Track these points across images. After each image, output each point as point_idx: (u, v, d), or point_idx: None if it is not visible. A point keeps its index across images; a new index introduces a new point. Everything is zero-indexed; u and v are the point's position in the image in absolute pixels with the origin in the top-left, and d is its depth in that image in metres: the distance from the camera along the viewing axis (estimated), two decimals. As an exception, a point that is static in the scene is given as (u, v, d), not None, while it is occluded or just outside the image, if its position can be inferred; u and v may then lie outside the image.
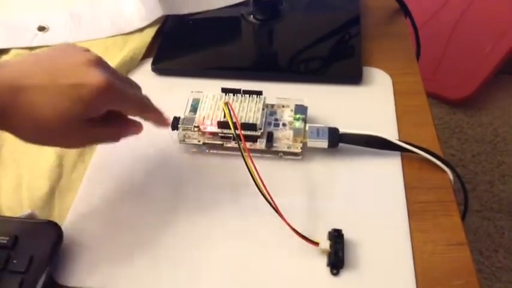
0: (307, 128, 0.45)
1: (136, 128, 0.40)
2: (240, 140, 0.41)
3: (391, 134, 0.46)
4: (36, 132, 0.35)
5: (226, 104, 0.43)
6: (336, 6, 0.60)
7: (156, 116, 0.41)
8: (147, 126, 0.42)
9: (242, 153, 0.40)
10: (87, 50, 0.37)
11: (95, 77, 0.34)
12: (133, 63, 0.54)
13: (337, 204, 0.41)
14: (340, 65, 0.53)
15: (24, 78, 0.33)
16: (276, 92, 0.50)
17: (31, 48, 0.57)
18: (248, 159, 0.39)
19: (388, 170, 0.44)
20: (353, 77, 0.51)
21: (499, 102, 1.43)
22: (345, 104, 0.49)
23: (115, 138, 0.39)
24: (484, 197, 1.25)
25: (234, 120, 0.42)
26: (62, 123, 0.34)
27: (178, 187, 0.44)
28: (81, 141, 0.37)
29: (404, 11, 0.61)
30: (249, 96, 0.46)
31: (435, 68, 1.40)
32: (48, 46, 0.57)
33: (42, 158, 0.45)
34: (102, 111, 0.36)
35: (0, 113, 0.33)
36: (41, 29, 0.59)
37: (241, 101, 0.46)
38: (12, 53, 0.56)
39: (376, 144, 0.44)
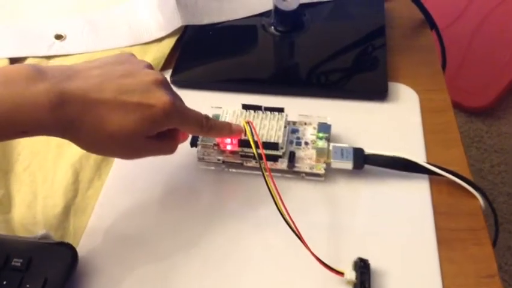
0: (330, 148, 0.43)
1: (186, 136, 0.42)
2: (262, 160, 0.39)
3: (418, 154, 0.44)
4: (99, 145, 0.35)
5: (248, 122, 0.41)
6: (361, 17, 0.58)
7: (217, 134, 0.41)
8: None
9: (263, 174, 0.39)
10: (150, 66, 0.38)
11: (162, 98, 0.35)
12: (152, 75, 0.53)
13: (361, 230, 0.40)
14: (364, 80, 0.51)
15: (93, 93, 0.33)
16: (297, 107, 0.48)
17: (48, 57, 0.56)
18: (270, 181, 0.38)
19: (416, 194, 0.42)
20: (378, 93, 0.49)
21: (518, 112, 1.40)
22: (369, 122, 0.48)
23: (171, 150, 0.39)
24: (503, 209, 1.22)
25: (256, 139, 0.41)
26: (126, 139, 0.34)
27: (196, 207, 0.42)
28: (140, 154, 0.37)
29: (430, 22, 0.59)
30: (271, 113, 0.45)
31: (454, 76, 1.37)
32: (65, 55, 0.56)
33: (58, 174, 0.44)
34: (164, 129, 0.37)
35: (68, 125, 0.33)
36: (58, 37, 0.58)
37: (262, 118, 0.44)
38: (28, 61, 0.55)
39: (403, 166, 0.42)
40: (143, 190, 0.44)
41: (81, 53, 0.56)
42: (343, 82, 0.51)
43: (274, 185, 0.38)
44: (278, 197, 0.37)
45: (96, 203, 0.42)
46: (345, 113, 0.48)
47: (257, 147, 0.40)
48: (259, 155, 0.40)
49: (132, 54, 0.39)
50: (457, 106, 1.38)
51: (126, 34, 0.57)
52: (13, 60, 0.55)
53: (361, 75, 0.51)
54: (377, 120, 0.48)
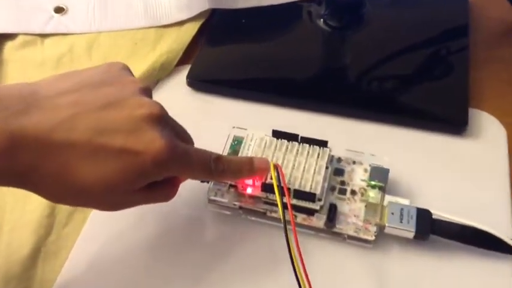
0: (385, 204, 0.32)
1: None
2: (287, 216, 0.29)
3: (502, 222, 0.33)
4: (68, 198, 0.26)
5: (276, 166, 0.30)
6: (437, 14, 0.45)
7: (233, 177, 0.31)
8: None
9: (286, 234, 0.28)
10: (147, 91, 0.27)
11: (154, 144, 0.25)
12: (165, 71, 0.42)
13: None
14: (437, 103, 0.39)
15: (59, 132, 0.23)
16: (343, 132, 0.38)
17: (43, 36, 0.46)
18: (293, 246, 0.28)
19: (496, 282, 0.31)
20: (455, 123, 0.37)
21: None
22: (439, 165, 0.36)
23: (167, 198, 0.29)
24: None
25: (283, 186, 0.30)
26: (103, 193, 0.25)
27: (201, 260, 0.32)
28: (123, 207, 0.28)
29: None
30: (309, 146, 0.34)
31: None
32: (63, 34, 0.46)
33: (31, 201, 0.35)
34: (157, 179, 0.27)
35: (24, 174, 0.23)
36: (58, 10, 0.47)
37: (297, 151, 0.33)
38: (19, 39, 0.45)
39: (481, 242, 0.31)
40: (135, 231, 0.34)
41: (83, 33, 0.46)
42: (407, 105, 0.39)
43: (299, 251, 0.27)
44: (302, 270, 0.27)
45: (73, 245, 0.33)
46: (407, 149, 0.37)
47: (283, 195, 0.30)
48: (284, 205, 0.29)
49: (124, 67, 0.28)
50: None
51: (141, 13, 0.46)
52: (2, 36, 0.46)
53: (433, 97, 0.39)
54: (450, 163, 0.36)
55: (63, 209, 0.34)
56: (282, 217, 0.28)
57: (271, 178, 0.32)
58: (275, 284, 0.31)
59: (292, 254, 0.27)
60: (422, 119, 0.38)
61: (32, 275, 0.31)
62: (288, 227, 0.28)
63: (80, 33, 0.46)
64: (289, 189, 0.31)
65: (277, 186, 0.29)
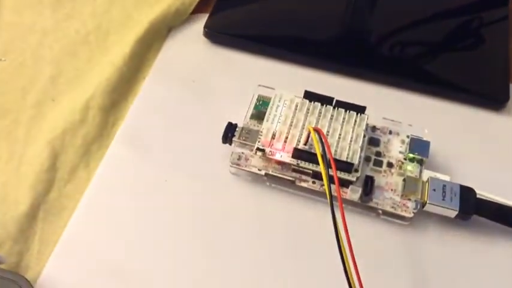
0: (425, 179, 0.29)
1: None
2: (333, 190, 0.26)
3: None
4: None
5: (317, 131, 0.27)
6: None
7: None
8: (186, 132, 0.27)
9: (333, 211, 0.25)
10: None
11: None
12: (180, 18, 0.38)
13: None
14: (476, 75, 0.36)
15: None
16: (381, 100, 0.35)
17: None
18: (340, 224, 0.25)
19: (539, 269, 0.29)
20: (496, 98, 0.35)
21: None
22: (478, 141, 0.33)
23: None
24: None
25: (328, 155, 0.27)
26: None
27: (219, 229, 0.29)
28: None
29: None
30: (345, 111, 0.30)
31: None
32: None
33: (30, 151, 0.31)
34: None
35: None
36: None
37: (332, 117, 0.30)
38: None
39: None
40: (146, 192, 0.30)
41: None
42: (446, 74, 0.36)
43: (346, 230, 0.25)
44: (348, 250, 0.24)
45: (77, 204, 0.30)
46: (445, 121, 0.34)
47: (327, 165, 0.27)
48: (331, 178, 0.26)
49: None
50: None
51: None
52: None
53: (472, 69, 0.36)
54: (489, 140, 0.33)
55: (65, 163, 0.30)
56: (327, 189, 0.25)
57: (305, 144, 0.29)
58: (298, 261, 0.28)
59: (338, 231, 0.24)
60: (461, 91, 0.35)
61: (30, 236, 0.28)
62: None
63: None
64: (324, 157, 0.28)
65: (321, 152, 0.26)
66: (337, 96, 0.31)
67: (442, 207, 0.28)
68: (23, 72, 0.35)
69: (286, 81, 0.35)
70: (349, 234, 0.25)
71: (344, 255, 0.24)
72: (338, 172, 0.28)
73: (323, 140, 0.27)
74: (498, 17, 0.39)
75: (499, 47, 0.37)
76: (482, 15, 0.39)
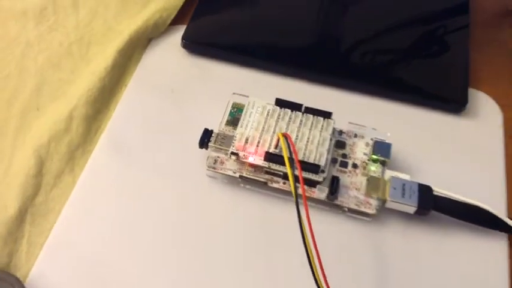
0: (387, 178, 0.32)
1: None
2: (298, 186, 0.28)
3: (497, 199, 0.33)
4: None
5: (284, 135, 0.29)
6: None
7: None
8: (165, 138, 0.29)
9: (298, 209, 0.27)
10: None
11: None
12: (158, 30, 0.40)
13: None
14: (438, 81, 0.38)
15: None
16: (345, 106, 0.37)
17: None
18: (305, 221, 0.27)
19: (490, 257, 0.31)
20: (455, 102, 0.37)
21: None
22: (437, 142, 0.36)
23: None
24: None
25: (294, 159, 0.29)
26: None
27: (198, 230, 0.31)
28: None
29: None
30: (313, 116, 0.33)
31: None
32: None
33: (17, 159, 0.32)
34: None
35: None
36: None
37: (301, 122, 0.32)
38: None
39: (479, 219, 0.32)
40: (127, 195, 0.32)
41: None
42: (409, 80, 0.38)
43: (310, 227, 0.27)
44: (313, 246, 0.27)
45: (62, 207, 0.31)
46: (407, 124, 0.37)
47: (293, 167, 0.29)
48: (296, 178, 0.29)
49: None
50: None
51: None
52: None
53: (434, 74, 0.39)
54: (448, 141, 0.36)
55: (51, 169, 0.32)
56: (293, 189, 0.28)
57: (275, 147, 0.31)
58: (270, 256, 0.31)
59: (303, 228, 0.26)
60: (422, 96, 0.38)
61: (19, 237, 0.30)
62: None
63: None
64: (290, 159, 0.30)
65: (287, 155, 0.28)
66: (306, 103, 0.33)
67: (402, 203, 0.31)
68: (8, 84, 0.36)
69: (260, 88, 0.38)
70: (318, 230, 0.27)
71: (308, 248, 0.26)
72: (306, 173, 0.30)
73: (290, 144, 0.29)
74: (459, 26, 0.42)
75: (460, 53, 0.40)
76: (445, 24, 0.42)
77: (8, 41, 0.39)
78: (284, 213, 0.32)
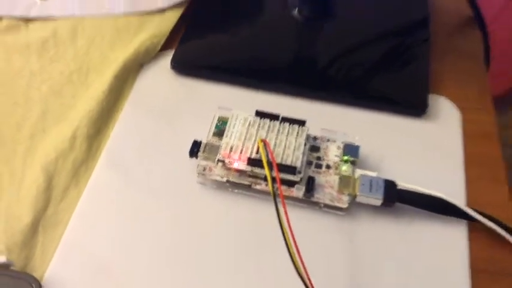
0: (356, 176, 0.36)
1: None
2: (277, 189, 0.32)
3: (457, 191, 0.37)
4: None
5: (263, 142, 0.34)
6: (401, 7, 0.49)
7: None
8: (159, 151, 0.33)
9: (276, 206, 0.32)
10: None
11: None
12: (149, 55, 0.44)
13: (384, 280, 0.34)
14: (401, 88, 0.43)
15: None
16: (319, 114, 0.41)
17: (28, 20, 0.47)
18: (283, 216, 0.31)
19: (452, 243, 0.35)
20: (416, 107, 0.42)
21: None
22: (403, 143, 0.40)
23: None
24: None
25: (271, 161, 0.33)
26: None
27: (192, 232, 0.35)
28: None
29: (479, 22, 0.50)
30: (289, 125, 0.37)
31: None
32: (48, 19, 0.47)
33: (28, 176, 0.36)
34: None
35: None
36: (41, -5, 0.48)
37: (278, 130, 0.37)
38: (3, 23, 0.46)
39: (440, 208, 0.36)
40: (127, 205, 0.36)
41: (66, 18, 0.47)
42: (375, 89, 0.43)
43: (288, 221, 0.31)
44: (291, 238, 0.31)
45: (70, 217, 0.35)
46: (375, 129, 0.41)
47: (271, 169, 0.33)
48: (273, 179, 0.33)
49: None
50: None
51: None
52: (-15, 19, 0.46)
53: (397, 83, 0.43)
54: (412, 142, 0.40)
55: (59, 184, 0.36)
56: (271, 188, 0.32)
57: (256, 153, 0.35)
58: (260, 256, 0.35)
59: (282, 223, 0.30)
60: (388, 103, 0.42)
61: (33, 245, 0.34)
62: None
63: (63, 18, 0.47)
64: (268, 162, 0.34)
65: (266, 159, 0.32)
66: (283, 113, 0.38)
67: (370, 197, 0.35)
68: (16, 110, 0.41)
69: (241, 103, 0.42)
70: (297, 225, 0.30)
71: (288, 242, 0.30)
72: (285, 174, 0.35)
73: (268, 149, 0.33)
74: (421, 38, 0.47)
75: (421, 63, 0.44)
76: (408, 37, 0.47)
77: (13, 72, 0.43)
78: (268, 213, 0.35)
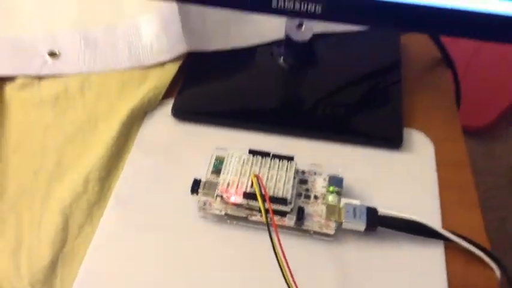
0: (342, 205, 0.40)
1: None
2: (270, 219, 0.36)
3: (433, 215, 0.42)
4: None
5: (256, 177, 0.38)
6: (375, 51, 0.55)
7: None
8: (163, 189, 0.38)
9: (269, 232, 0.36)
10: None
11: None
12: (153, 105, 0.49)
13: (371, 300, 0.37)
14: (378, 125, 0.48)
15: None
16: (307, 150, 0.46)
17: (40, 78, 0.52)
18: (277, 245, 0.35)
19: (431, 262, 0.39)
20: (393, 141, 0.47)
21: (516, 135, 1.38)
22: (382, 173, 0.45)
23: None
24: (496, 234, 1.21)
25: (264, 194, 0.37)
26: None
27: (195, 261, 0.39)
28: None
29: (447, 60, 0.56)
30: (279, 161, 0.41)
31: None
32: (59, 76, 0.52)
33: (46, 218, 0.40)
34: None
35: None
36: (52, 54, 0.54)
37: (270, 166, 0.41)
38: (18, 81, 0.51)
39: (418, 231, 0.40)
40: (138, 238, 0.40)
41: (75, 74, 0.52)
42: (355, 127, 0.48)
43: (281, 247, 0.35)
44: (284, 263, 0.34)
45: (86, 251, 0.39)
46: (357, 162, 0.45)
47: (265, 204, 0.37)
48: (266, 211, 0.37)
49: None
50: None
51: (127, 55, 0.54)
52: (3, 79, 0.51)
53: (375, 120, 0.48)
54: (391, 172, 0.45)
55: (75, 223, 0.40)
56: (265, 219, 0.36)
57: (251, 187, 0.40)
58: (259, 275, 0.38)
59: (276, 250, 0.34)
60: (368, 138, 0.47)
61: (53, 279, 0.37)
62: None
63: (73, 75, 0.52)
64: (261, 195, 0.38)
65: (259, 193, 0.37)
66: (274, 150, 0.42)
67: (354, 223, 0.39)
68: (34, 159, 0.45)
69: (236, 143, 0.46)
70: (290, 251, 0.34)
71: (282, 266, 0.34)
72: (277, 205, 0.39)
73: (260, 184, 0.37)
74: (394, 79, 0.52)
75: (395, 101, 0.50)
76: (382, 78, 0.52)
77: (30, 125, 0.48)
78: (264, 241, 0.39)
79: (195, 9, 0.55)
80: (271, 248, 0.35)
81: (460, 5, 0.39)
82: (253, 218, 0.40)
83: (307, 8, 0.41)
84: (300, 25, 0.50)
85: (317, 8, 0.41)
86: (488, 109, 1.38)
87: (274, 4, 0.41)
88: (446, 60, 0.56)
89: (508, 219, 1.21)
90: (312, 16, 0.42)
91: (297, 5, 0.41)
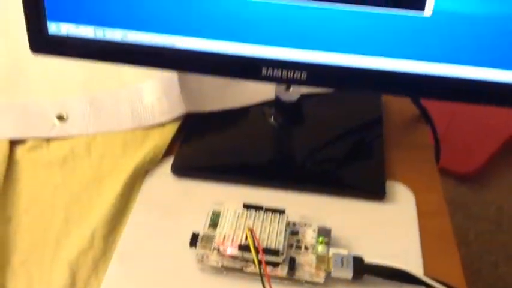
0: (330, 255, 0.43)
1: None
2: (263, 270, 0.39)
3: (415, 262, 0.45)
4: None
5: (250, 230, 0.42)
6: (358, 111, 0.60)
7: None
8: (164, 243, 0.41)
9: (263, 285, 0.39)
10: None
11: None
12: (153, 164, 0.53)
13: None
14: (363, 178, 0.52)
15: None
16: (297, 203, 0.49)
17: (48, 140, 0.56)
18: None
19: (414, 306, 0.42)
20: (377, 193, 0.50)
21: (505, 180, 1.42)
22: (367, 224, 0.48)
23: None
24: (488, 279, 1.22)
25: (257, 246, 0.41)
26: None
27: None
28: None
29: (426, 118, 0.60)
30: (272, 214, 0.45)
31: (441, 140, 1.40)
32: (66, 138, 0.56)
33: (55, 273, 0.43)
34: None
35: None
36: (60, 118, 0.58)
37: (263, 219, 0.44)
38: (28, 143, 0.55)
39: (401, 277, 0.43)
40: (141, 291, 0.43)
41: (81, 135, 0.56)
42: (341, 180, 0.52)
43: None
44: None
45: (92, 305, 0.42)
46: (343, 213, 0.49)
47: (257, 252, 0.41)
48: (260, 262, 0.40)
49: None
50: (444, 171, 1.40)
51: (129, 117, 0.58)
52: (14, 141, 0.55)
53: (359, 174, 0.52)
54: (375, 222, 0.48)
55: (81, 277, 0.43)
56: (258, 270, 0.39)
57: (245, 240, 0.43)
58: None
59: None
60: (353, 190, 0.51)
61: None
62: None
63: (79, 136, 0.56)
64: (255, 248, 0.41)
65: (253, 245, 0.40)
66: (266, 203, 0.46)
67: (342, 272, 0.42)
68: (44, 217, 0.48)
69: (231, 197, 0.49)
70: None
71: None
72: (269, 256, 0.42)
73: (254, 237, 0.41)
74: (375, 134, 0.57)
75: (377, 156, 0.54)
76: (365, 135, 0.57)
77: (40, 185, 0.51)
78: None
79: (193, 74, 0.60)
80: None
81: (435, 71, 0.44)
82: (248, 269, 0.43)
83: (293, 76, 0.46)
84: (288, 87, 0.55)
85: (302, 75, 0.46)
86: (476, 155, 1.42)
87: (263, 73, 0.46)
88: (425, 118, 0.60)
89: (499, 264, 1.23)
90: (298, 82, 0.47)
91: (284, 73, 0.46)
